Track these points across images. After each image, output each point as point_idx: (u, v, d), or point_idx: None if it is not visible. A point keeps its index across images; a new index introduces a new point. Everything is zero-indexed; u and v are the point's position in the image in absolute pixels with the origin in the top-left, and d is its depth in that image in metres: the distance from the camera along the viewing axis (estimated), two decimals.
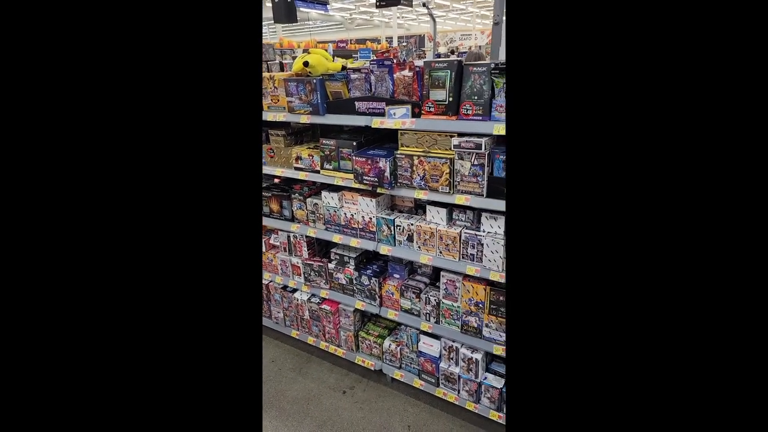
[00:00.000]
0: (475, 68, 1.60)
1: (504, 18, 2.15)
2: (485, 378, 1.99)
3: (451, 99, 1.66)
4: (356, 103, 1.88)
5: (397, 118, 1.79)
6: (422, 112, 1.74)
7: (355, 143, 1.98)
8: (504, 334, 1.85)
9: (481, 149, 1.65)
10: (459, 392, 2.06)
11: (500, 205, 1.67)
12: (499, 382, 1.95)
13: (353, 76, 1.90)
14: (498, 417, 1.95)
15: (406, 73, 1.74)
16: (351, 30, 19.62)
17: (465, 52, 9.31)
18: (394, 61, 1.77)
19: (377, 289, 2.19)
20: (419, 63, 1.73)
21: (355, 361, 2.39)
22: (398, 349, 2.23)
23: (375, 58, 1.91)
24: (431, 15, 6.16)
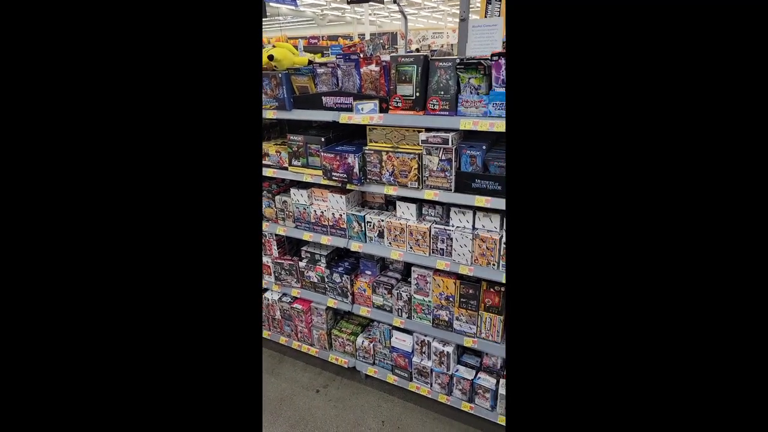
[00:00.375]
0: (440, 63, 1.61)
1: (470, 15, 2.17)
2: (457, 370, 2.02)
3: (418, 94, 1.67)
4: (323, 98, 1.86)
5: (365, 114, 1.78)
6: (390, 107, 1.73)
7: (323, 139, 1.96)
8: (474, 326, 1.88)
9: (448, 144, 1.66)
10: (431, 385, 2.08)
11: (468, 199, 1.69)
12: (470, 374, 1.98)
13: (320, 70, 1.87)
14: (469, 408, 1.98)
15: (373, 67, 1.73)
16: (323, 26, 19.39)
17: (435, 50, 9.37)
18: (361, 55, 1.76)
19: (349, 287, 2.17)
20: (386, 58, 1.72)
21: (329, 360, 2.37)
22: (371, 345, 2.23)
23: (342, 52, 1.88)
24: (402, 12, 6.17)
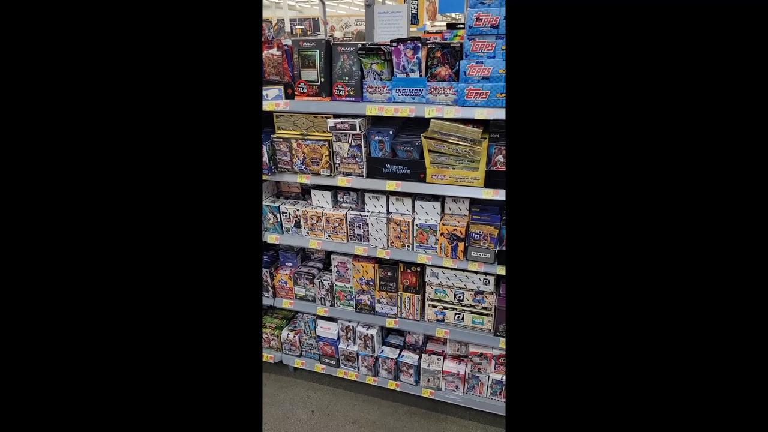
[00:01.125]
0: (343, 48, 1.59)
1: (375, 0, 2.18)
2: (382, 351, 2.07)
3: (323, 80, 1.64)
4: None
5: (270, 100, 1.71)
6: (296, 93, 1.69)
7: None
8: (394, 307, 1.94)
9: (356, 130, 1.67)
10: (359, 369, 2.12)
11: (380, 184, 1.72)
12: (394, 353, 2.05)
13: None
14: (396, 385, 2.06)
15: (275, 51, 1.66)
16: None
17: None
18: (261, 38, 1.68)
19: (270, 280, 2.11)
20: (287, 42, 1.67)
21: None
22: (297, 337, 2.20)
23: None
24: None
